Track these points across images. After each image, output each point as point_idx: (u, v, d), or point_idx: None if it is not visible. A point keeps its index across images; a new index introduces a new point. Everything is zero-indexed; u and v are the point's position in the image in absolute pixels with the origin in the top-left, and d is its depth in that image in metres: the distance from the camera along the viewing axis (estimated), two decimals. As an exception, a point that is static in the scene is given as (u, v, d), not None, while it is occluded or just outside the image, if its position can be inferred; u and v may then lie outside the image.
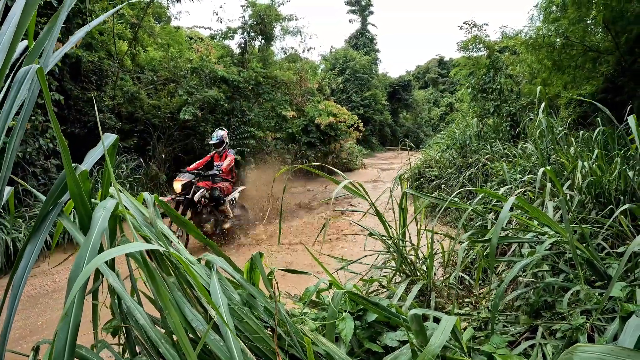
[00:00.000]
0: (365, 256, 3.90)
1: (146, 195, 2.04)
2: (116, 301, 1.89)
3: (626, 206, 3.38)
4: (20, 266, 1.52)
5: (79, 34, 2.02)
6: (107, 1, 13.25)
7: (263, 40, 18.38)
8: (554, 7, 10.00)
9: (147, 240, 1.79)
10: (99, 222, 1.55)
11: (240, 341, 1.69)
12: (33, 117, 9.24)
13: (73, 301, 1.36)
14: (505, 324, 2.84)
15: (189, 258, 2.00)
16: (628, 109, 6.61)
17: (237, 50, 18.59)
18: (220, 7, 17.09)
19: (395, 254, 3.55)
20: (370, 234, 3.75)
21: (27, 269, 1.50)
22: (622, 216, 3.57)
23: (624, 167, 4.47)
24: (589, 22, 9.60)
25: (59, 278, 7.42)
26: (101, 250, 1.51)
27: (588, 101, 6.82)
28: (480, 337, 2.50)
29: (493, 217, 5.15)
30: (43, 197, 2.02)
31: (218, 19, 18.19)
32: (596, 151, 5.09)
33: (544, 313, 2.81)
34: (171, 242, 1.99)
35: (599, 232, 3.74)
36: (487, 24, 13.26)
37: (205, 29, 19.17)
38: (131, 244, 1.56)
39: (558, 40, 10.05)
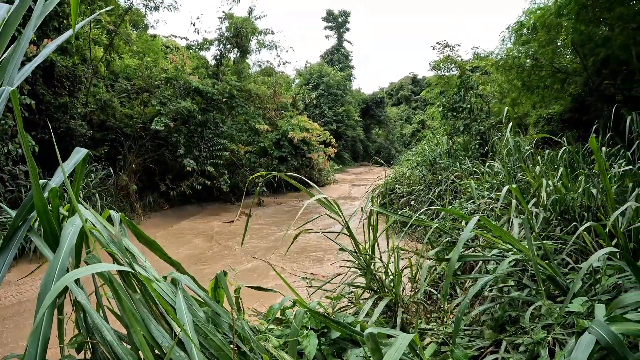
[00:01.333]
0: (338, 275, 3.91)
1: (113, 213, 2.02)
2: (81, 316, 1.86)
3: (588, 224, 3.47)
4: None
5: (52, 45, 1.99)
6: (85, 5, 13.08)
7: (239, 53, 18.39)
8: (525, 30, 10.29)
9: (114, 258, 1.77)
10: (67, 240, 1.54)
11: (205, 357, 1.69)
12: (3, 122, 8.99)
13: (43, 317, 1.35)
14: (471, 339, 2.88)
15: (155, 276, 1.99)
16: (594, 128, 6.85)
17: (212, 62, 18.55)
18: (198, 18, 17.03)
19: (364, 270, 3.57)
20: (342, 249, 3.76)
21: None
22: (585, 233, 3.67)
23: (587, 185, 4.61)
24: (558, 44, 9.91)
25: (24, 289, 7.21)
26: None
27: (555, 123, 7.04)
28: (446, 352, 2.53)
29: (460, 233, 5.22)
30: (7, 209, 1.99)
31: (195, 30, 18.10)
32: (561, 170, 5.22)
33: (508, 327, 2.86)
34: (137, 259, 1.97)
35: (563, 248, 3.84)
36: (459, 45, 13.58)
37: (181, 38, 19.09)
38: (100, 264, 1.55)
39: (528, 61, 10.36)
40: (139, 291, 1.81)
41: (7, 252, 1.62)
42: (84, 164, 1.97)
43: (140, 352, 1.66)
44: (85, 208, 1.83)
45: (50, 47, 1.97)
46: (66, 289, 1.74)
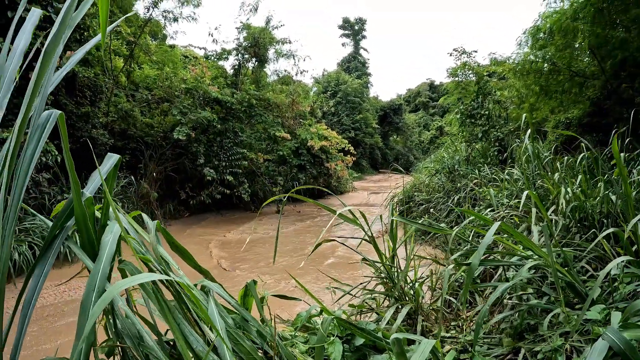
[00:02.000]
0: (361, 284, 3.97)
1: (147, 220, 2.11)
2: (111, 321, 1.96)
3: (610, 230, 3.48)
4: (29, 287, 1.59)
5: (81, 52, 2.08)
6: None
7: (257, 63, 18.62)
8: (541, 34, 10.26)
9: (148, 266, 1.87)
10: (107, 247, 1.62)
11: (235, 361, 1.78)
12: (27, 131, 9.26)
13: (90, 326, 1.44)
14: (490, 346, 2.93)
15: (189, 284, 2.09)
16: (614, 132, 6.80)
17: (231, 72, 18.80)
18: (216, 29, 17.40)
19: (385, 279, 3.64)
20: (364, 260, 3.83)
21: (36, 290, 1.57)
22: (604, 240, 3.68)
23: (607, 192, 4.59)
24: (575, 47, 9.86)
25: (47, 294, 7.41)
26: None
27: (573, 128, 6.99)
28: (465, 359, 2.59)
29: (480, 241, 5.24)
30: (41, 217, 2.10)
31: (213, 40, 18.41)
32: (580, 176, 5.21)
33: (527, 335, 2.90)
34: (170, 267, 2.06)
35: (582, 256, 3.85)
36: (476, 51, 13.57)
37: (200, 48, 19.42)
38: (145, 274, 1.62)
39: (545, 66, 10.31)
40: (173, 298, 1.91)
41: (45, 259, 1.67)
42: (115, 170, 2.03)
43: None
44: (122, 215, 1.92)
45: (78, 54, 2.04)
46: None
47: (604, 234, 3.50)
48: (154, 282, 1.89)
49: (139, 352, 1.83)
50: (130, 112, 14.58)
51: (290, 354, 2.05)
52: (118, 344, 1.95)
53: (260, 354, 2.02)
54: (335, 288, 3.76)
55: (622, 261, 2.74)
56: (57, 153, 9.93)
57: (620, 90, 9.45)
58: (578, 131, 10.39)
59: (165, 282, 1.84)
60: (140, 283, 1.68)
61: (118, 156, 2.01)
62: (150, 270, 1.85)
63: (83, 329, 1.44)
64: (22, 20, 1.83)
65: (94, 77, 13.12)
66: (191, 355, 1.74)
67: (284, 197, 3.42)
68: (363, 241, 3.54)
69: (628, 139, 6.36)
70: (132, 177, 13.62)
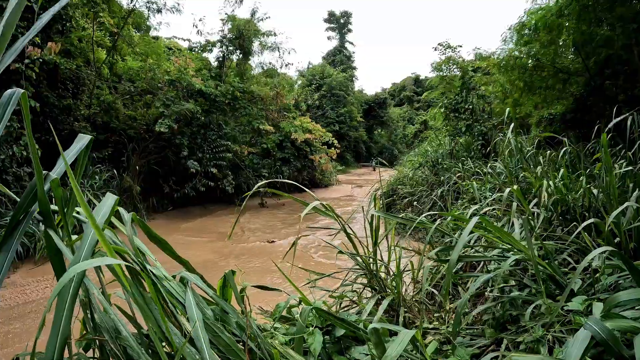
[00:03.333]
0: (336, 272, 3.95)
1: (123, 211, 2.06)
2: (89, 315, 1.91)
3: (590, 221, 3.51)
4: None
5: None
6: (87, 8, 13.18)
7: (241, 55, 18.47)
8: (526, 30, 10.30)
9: (122, 257, 1.82)
10: (90, 236, 1.56)
11: (215, 354, 1.74)
12: (8, 124, 9.08)
13: (63, 312, 1.38)
14: (473, 337, 2.93)
15: (165, 274, 2.04)
16: (596, 128, 6.87)
17: (215, 64, 18.63)
18: (200, 20, 17.20)
19: (365, 270, 3.62)
20: (340, 252, 3.81)
21: None
22: (585, 233, 3.71)
23: (588, 185, 4.63)
24: (560, 44, 9.92)
25: (30, 290, 7.28)
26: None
27: (556, 123, 7.04)
28: (447, 351, 2.58)
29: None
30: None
31: (198, 32, 18.19)
32: (562, 170, 5.25)
33: (509, 326, 2.90)
34: (147, 258, 2.02)
35: (564, 249, 3.88)
36: (460, 46, 13.59)
37: (184, 40, 19.21)
38: (114, 259, 1.57)
39: (530, 61, 10.37)
40: (148, 290, 1.86)
41: (8, 246, 1.56)
42: (87, 152, 1.94)
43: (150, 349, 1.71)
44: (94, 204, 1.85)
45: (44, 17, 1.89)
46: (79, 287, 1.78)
47: (585, 224, 3.53)
48: (134, 275, 1.84)
49: (116, 346, 1.78)
50: (112, 104, 14.37)
51: (270, 345, 2.02)
52: (96, 337, 1.90)
53: (240, 346, 1.99)
54: (315, 279, 3.73)
55: (604, 251, 2.75)
56: (37, 147, 9.77)
57: (603, 87, 9.54)
58: (561, 127, 10.51)
59: (142, 273, 1.79)
60: (114, 273, 1.64)
61: (90, 137, 1.91)
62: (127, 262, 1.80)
63: (60, 321, 1.38)
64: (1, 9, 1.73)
65: (76, 69, 12.92)
66: (167, 347, 1.70)
67: (265, 189, 3.38)
68: (345, 236, 3.51)
69: (610, 134, 6.43)
70: (115, 171, 13.43)
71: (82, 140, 1.89)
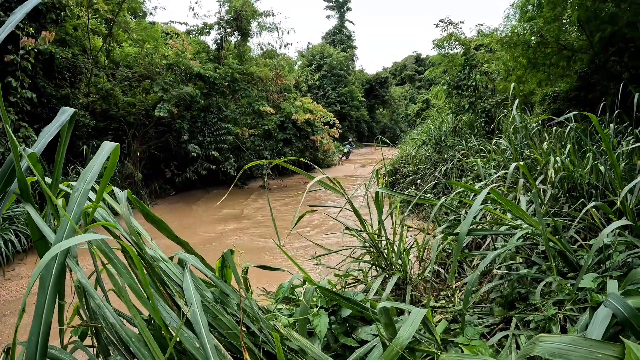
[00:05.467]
0: (343, 249, 3.89)
1: (117, 190, 1.97)
2: (84, 302, 1.84)
3: (593, 204, 3.43)
4: None
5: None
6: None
7: (239, 36, 18.22)
8: (530, 6, 10.11)
9: (115, 236, 1.74)
10: (74, 205, 1.48)
11: (214, 337, 1.67)
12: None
13: (45, 299, 1.32)
14: (481, 316, 2.87)
15: (162, 255, 1.96)
16: (601, 106, 6.75)
17: (213, 47, 18.41)
18: (197, 3, 16.93)
19: (371, 248, 3.56)
20: (347, 229, 3.75)
21: None
22: (593, 209, 3.63)
23: (595, 162, 4.55)
24: (564, 21, 9.74)
25: (36, 282, 7.25)
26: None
27: (560, 101, 6.93)
28: (456, 330, 2.52)
29: (468, 212, 5.18)
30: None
31: (194, 15, 18.00)
32: (568, 146, 5.16)
33: (517, 304, 2.84)
34: (142, 238, 1.94)
35: (571, 225, 3.80)
36: (462, 22, 13.39)
37: (181, 24, 18.97)
38: (99, 235, 1.49)
39: (533, 38, 10.18)
40: (145, 271, 1.78)
41: None
42: (70, 126, 1.84)
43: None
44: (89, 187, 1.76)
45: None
46: (65, 271, 1.69)
47: (593, 204, 3.44)
48: (129, 257, 1.77)
49: (112, 333, 1.71)
50: (111, 91, 14.24)
51: (272, 327, 1.95)
52: (90, 324, 1.83)
53: (240, 329, 1.92)
54: (319, 255, 3.67)
55: (616, 228, 2.67)
56: (36, 137, 9.66)
57: (608, 64, 9.38)
58: (565, 105, 10.37)
59: (131, 250, 1.71)
60: (105, 254, 1.56)
61: (73, 110, 1.80)
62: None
63: (43, 307, 1.32)
64: None
65: (72, 57, 12.77)
66: (162, 331, 1.63)
67: (268, 168, 3.31)
68: (348, 214, 3.44)
69: (617, 112, 6.32)
70: (116, 158, 13.34)
71: (65, 113, 1.79)
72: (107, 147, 1.73)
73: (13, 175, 1.57)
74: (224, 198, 13.37)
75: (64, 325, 1.83)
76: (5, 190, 1.59)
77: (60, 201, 1.75)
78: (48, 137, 1.73)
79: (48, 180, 1.78)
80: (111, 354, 1.80)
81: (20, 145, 5.65)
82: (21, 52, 9.60)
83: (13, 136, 1.42)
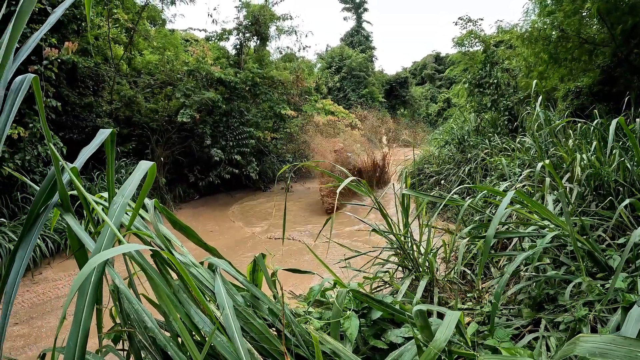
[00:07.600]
0: (369, 251, 3.91)
1: (146, 200, 2.03)
2: (118, 306, 1.89)
3: (627, 201, 3.37)
4: (12, 271, 1.50)
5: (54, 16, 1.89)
6: (101, 7, 13.27)
7: (258, 41, 18.36)
8: (549, 0, 9.98)
9: (148, 243, 1.79)
10: (113, 217, 1.53)
11: (247, 342, 1.71)
12: (31, 125, 9.24)
13: (84, 306, 1.36)
14: (509, 318, 2.86)
15: (192, 261, 2.01)
16: (626, 100, 6.62)
17: (232, 52, 18.57)
18: (215, 9, 17.20)
19: (399, 250, 3.57)
20: (374, 230, 3.76)
21: (19, 274, 1.49)
22: (623, 209, 3.57)
23: (622, 159, 4.46)
24: (584, 14, 9.58)
25: (62, 284, 7.43)
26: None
27: (584, 96, 6.81)
28: (484, 332, 2.52)
29: (493, 212, 5.14)
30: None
31: (213, 21, 18.18)
32: (594, 143, 5.07)
33: (546, 306, 2.82)
34: (173, 245, 1.99)
35: (599, 224, 3.75)
36: (482, 19, 13.24)
37: (200, 31, 19.21)
38: (135, 245, 1.54)
39: (554, 33, 10.03)
40: (177, 277, 1.83)
41: (28, 238, 1.55)
42: (113, 146, 1.89)
43: (180, 339, 1.68)
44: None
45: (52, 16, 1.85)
46: (102, 278, 1.74)
47: (624, 203, 3.38)
48: (158, 263, 1.81)
49: (145, 337, 1.76)
50: (133, 98, 14.48)
51: (304, 331, 1.98)
52: (124, 329, 1.88)
53: (273, 332, 1.95)
54: (348, 257, 3.69)
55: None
56: (62, 144, 9.90)
57: (631, 57, 9.20)
58: (589, 100, 10.19)
59: (169, 256, 1.76)
60: (137, 262, 1.60)
61: (111, 130, 1.85)
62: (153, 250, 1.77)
63: (81, 315, 1.36)
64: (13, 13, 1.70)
65: (94, 66, 13.06)
66: (194, 336, 1.67)
67: (291, 171, 3.34)
68: (371, 216, 3.46)
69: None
70: (140, 164, 13.55)
71: (103, 134, 1.84)
72: (144, 166, 1.81)
73: (54, 189, 1.63)
74: (246, 201, 13.47)
75: (102, 331, 1.88)
76: (47, 204, 1.64)
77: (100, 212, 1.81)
78: (87, 154, 1.81)
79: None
80: (143, 357, 1.85)
81: (47, 152, 5.77)
82: (45, 62, 9.85)
83: (56, 153, 1.48)
